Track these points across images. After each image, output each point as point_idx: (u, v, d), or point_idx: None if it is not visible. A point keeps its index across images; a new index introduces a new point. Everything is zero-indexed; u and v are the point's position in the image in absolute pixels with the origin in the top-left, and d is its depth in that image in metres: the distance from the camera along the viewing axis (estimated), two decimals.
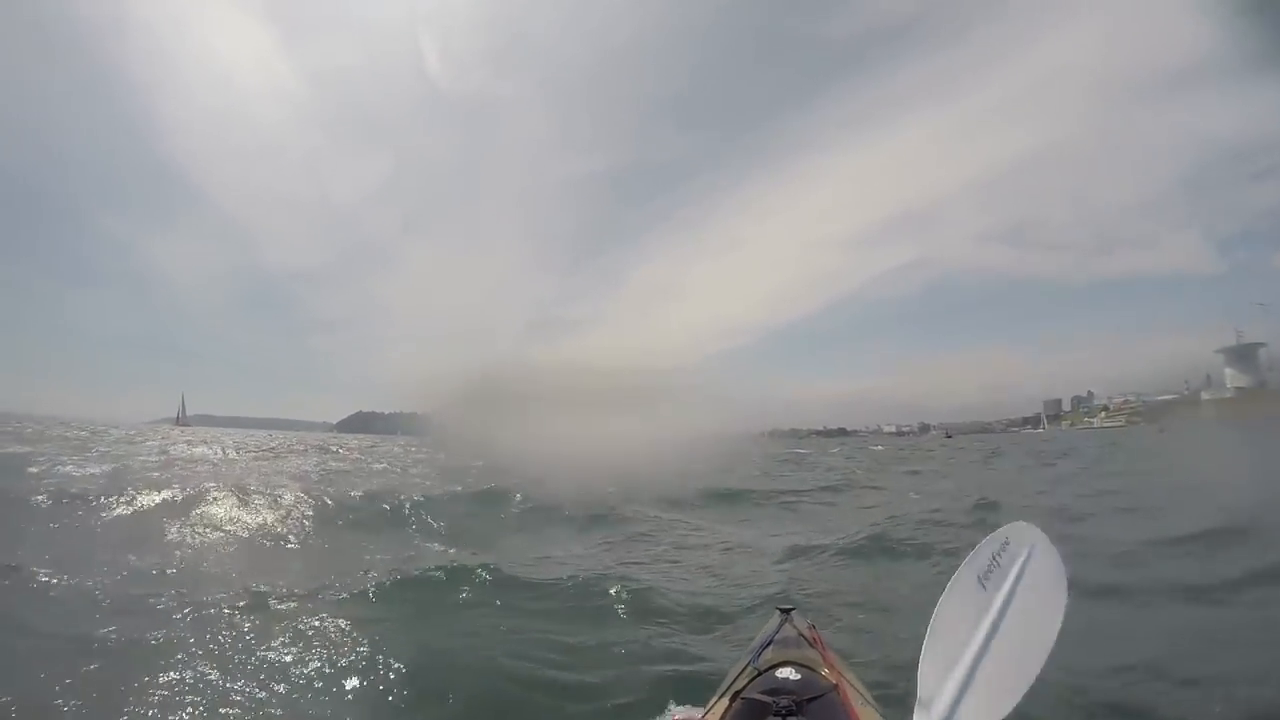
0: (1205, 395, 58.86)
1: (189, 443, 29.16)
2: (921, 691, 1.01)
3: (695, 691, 3.62)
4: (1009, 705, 1.04)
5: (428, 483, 14.77)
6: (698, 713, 2.28)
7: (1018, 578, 1.12)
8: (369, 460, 24.00)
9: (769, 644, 2.54)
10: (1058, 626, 1.11)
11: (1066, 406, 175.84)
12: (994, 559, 1.10)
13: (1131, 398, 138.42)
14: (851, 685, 2.26)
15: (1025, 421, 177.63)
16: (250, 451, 25.98)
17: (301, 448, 31.35)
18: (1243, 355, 57.07)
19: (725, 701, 2.17)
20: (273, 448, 30.19)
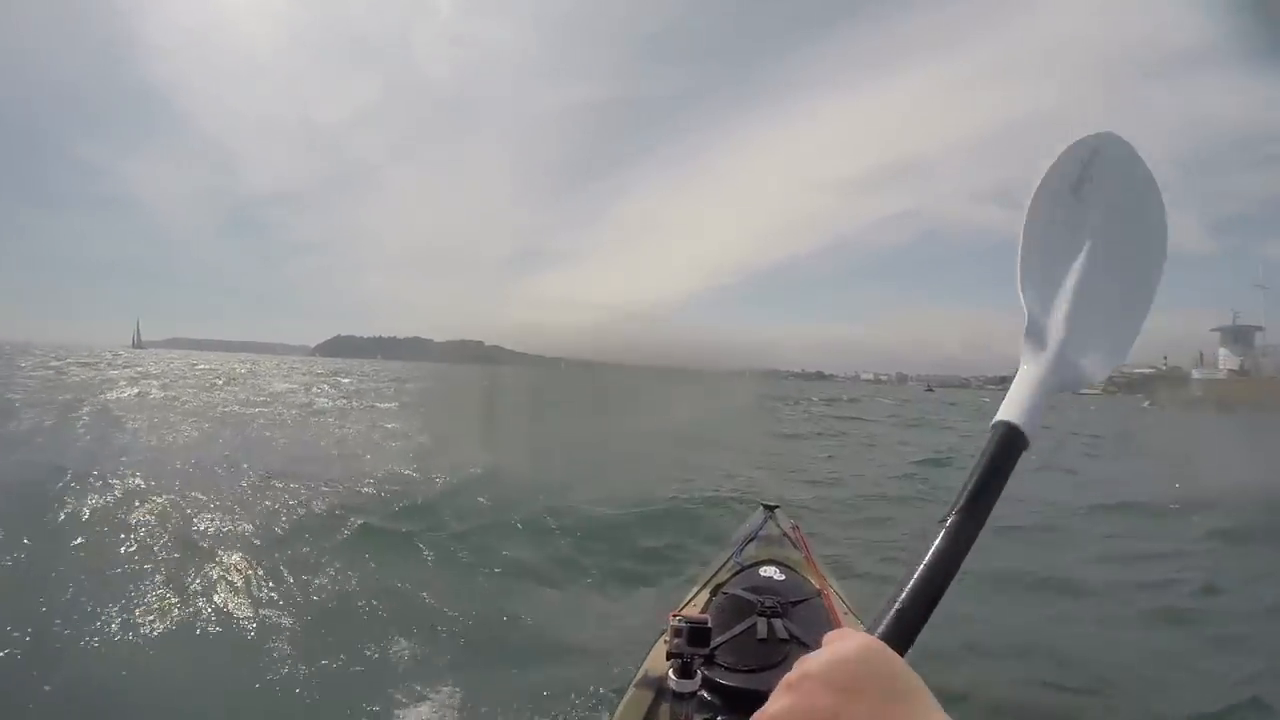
0: (1196, 374, 57.26)
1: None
2: (1030, 314, 0.79)
3: (670, 580, 3.60)
4: (1126, 342, 0.85)
5: None
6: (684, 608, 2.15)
7: (1119, 190, 0.89)
8: None
9: (752, 539, 2.55)
10: (1166, 241, 0.91)
11: None
12: (1085, 169, 0.87)
13: None
14: (835, 592, 2.23)
15: (1003, 380, 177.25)
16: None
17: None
18: (1239, 337, 55.38)
19: (705, 594, 2.17)
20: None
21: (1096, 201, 0.88)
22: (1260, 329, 55.80)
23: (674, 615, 1.69)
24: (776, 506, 2.86)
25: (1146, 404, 56.75)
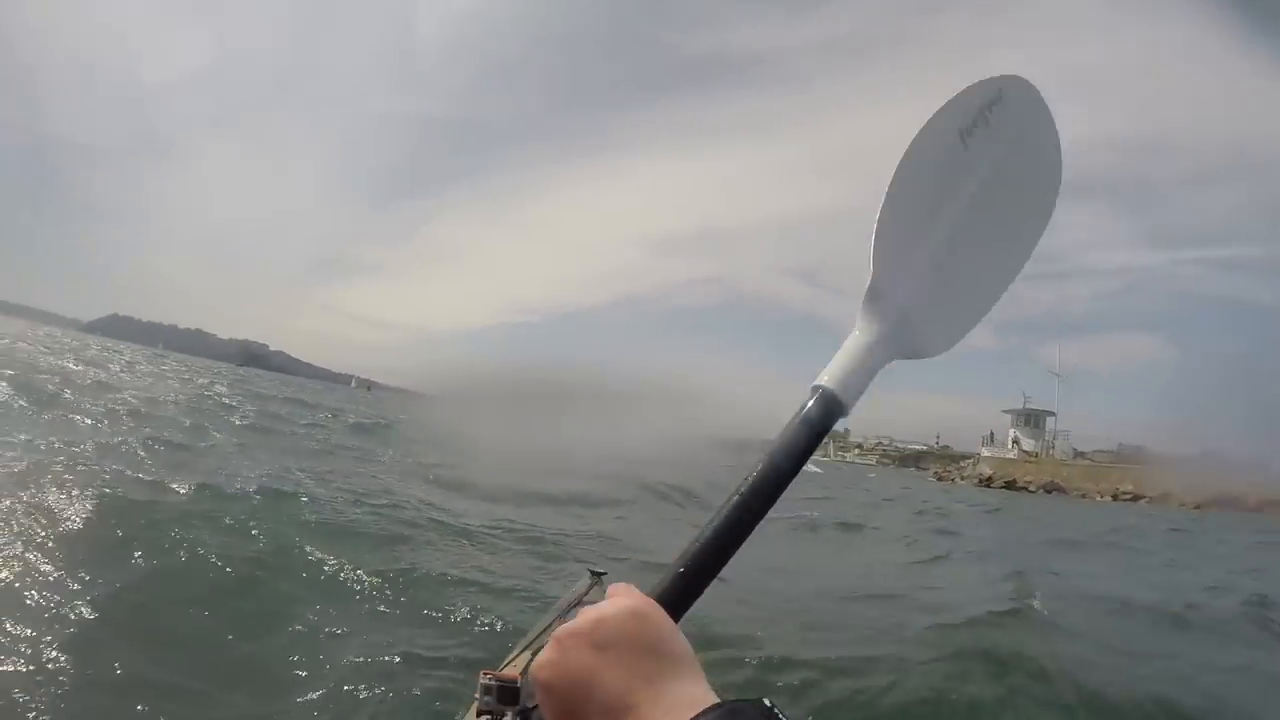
0: (985, 452, 59.79)
1: None
2: (876, 273, 0.68)
3: (491, 640, 3.65)
4: (982, 309, 0.77)
5: None
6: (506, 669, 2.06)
7: (1013, 142, 0.77)
8: None
9: (578, 604, 2.39)
10: (1055, 204, 0.81)
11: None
12: (981, 115, 0.75)
13: (885, 441, 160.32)
14: None
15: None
16: None
17: None
18: (1031, 420, 58.60)
19: (527, 655, 2.16)
20: None
21: (986, 152, 0.76)
22: (1052, 414, 58.50)
23: (485, 674, 1.61)
24: (603, 573, 2.76)
25: (932, 477, 57.82)
